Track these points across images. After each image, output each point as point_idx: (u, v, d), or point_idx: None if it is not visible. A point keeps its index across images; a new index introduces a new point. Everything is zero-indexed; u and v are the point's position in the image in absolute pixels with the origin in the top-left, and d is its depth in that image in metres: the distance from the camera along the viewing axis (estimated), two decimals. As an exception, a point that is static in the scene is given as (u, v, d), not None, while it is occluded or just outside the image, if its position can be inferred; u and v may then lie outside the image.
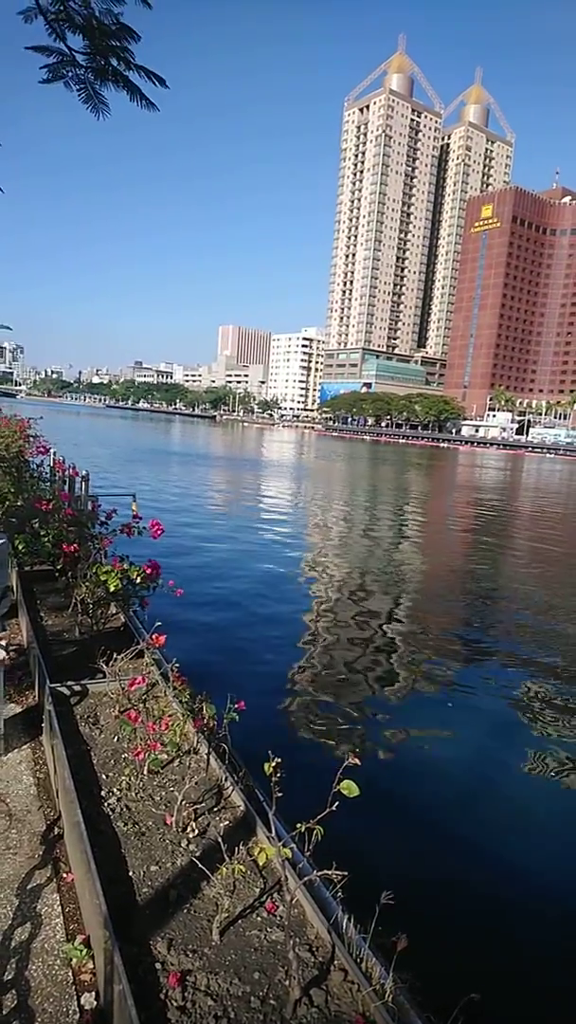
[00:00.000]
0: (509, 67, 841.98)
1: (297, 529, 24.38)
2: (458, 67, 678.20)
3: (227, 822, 3.99)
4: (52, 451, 15.86)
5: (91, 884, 3.03)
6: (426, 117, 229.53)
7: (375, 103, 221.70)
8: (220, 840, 3.46)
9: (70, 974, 3.04)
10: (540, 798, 7.10)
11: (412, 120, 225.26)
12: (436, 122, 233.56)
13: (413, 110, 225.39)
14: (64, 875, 3.69)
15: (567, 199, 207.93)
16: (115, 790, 4.23)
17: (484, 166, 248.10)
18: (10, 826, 4.10)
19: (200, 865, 3.35)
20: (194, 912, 3.28)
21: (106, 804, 4.08)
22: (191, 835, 3.83)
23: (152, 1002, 2.70)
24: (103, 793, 4.19)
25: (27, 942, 3.19)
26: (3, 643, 4.74)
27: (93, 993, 2.93)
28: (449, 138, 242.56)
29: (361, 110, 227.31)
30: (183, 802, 3.94)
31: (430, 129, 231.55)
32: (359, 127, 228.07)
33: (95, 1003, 2.88)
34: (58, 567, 8.22)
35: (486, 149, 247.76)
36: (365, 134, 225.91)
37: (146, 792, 4.24)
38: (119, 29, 5.97)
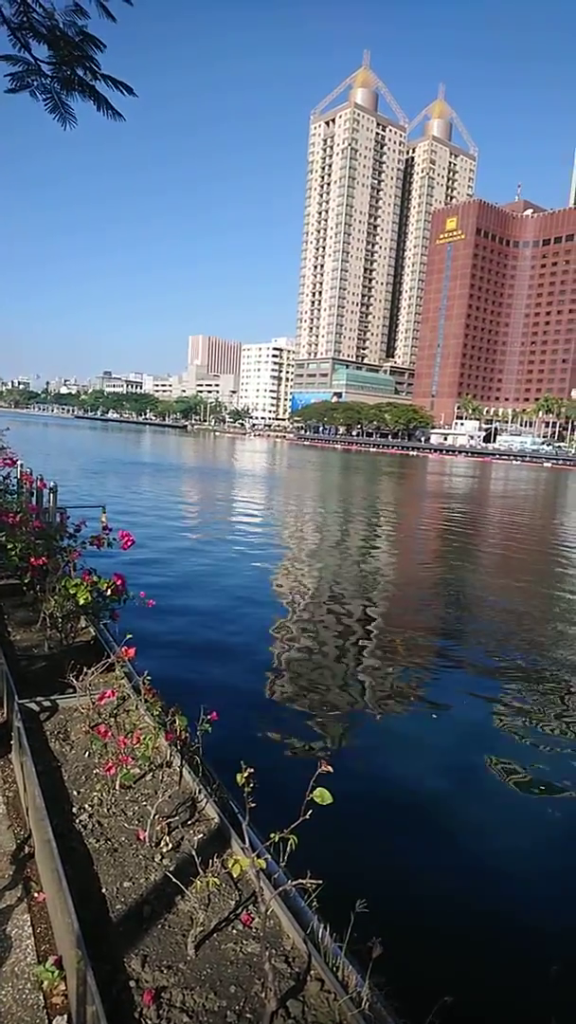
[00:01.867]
0: (471, 85, 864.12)
1: (270, 539, 24.37)
2: (422, 82, 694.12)
3: (201, 835, 3.96)
4: (19, 463, 15.62)
5: (63, 903, 2.97)
6: (391, 131, 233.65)
7: (341, 116, 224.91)
8: (194, 853, 3.43)
9: (41, 997, 2.96)
10: (513, 804, 7.18)
11: (377, 134, 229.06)
12: (401, 136, 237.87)
13: (378, 124, 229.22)
14: (35, 895, 3.61)
15: (529, 212, 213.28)
16: (87, 806, 4.16)
17: (448, 179, 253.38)
18: (-22, 847, 4.00)
19: (174, 879, 3.31)
20: (169, 927, 3.23)
21: (78, 821, 4.01)
22: (165, 849, 3.79)
23: (126, 1022, 2.66)
24: (74, 810, 4.12)
25: (-4, 966, 3.11)
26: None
27: (65, 1016, 2.87)
28: (414, 151, 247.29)
29: (327, 123, 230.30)
30: (156, 816, 3.89)
31: (395, 143, 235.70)
32: (325, 140, 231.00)
33: (67, 1026, 2.82)
34: (26, 581, 8.09)
35: (450, 163, 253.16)
36: (331, 147, 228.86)
37: (118, 807, 4.18)
38: (84, 39, 5.97)
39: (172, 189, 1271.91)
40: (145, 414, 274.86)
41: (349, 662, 11.14)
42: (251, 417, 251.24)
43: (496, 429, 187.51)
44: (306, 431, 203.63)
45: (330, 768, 2.98)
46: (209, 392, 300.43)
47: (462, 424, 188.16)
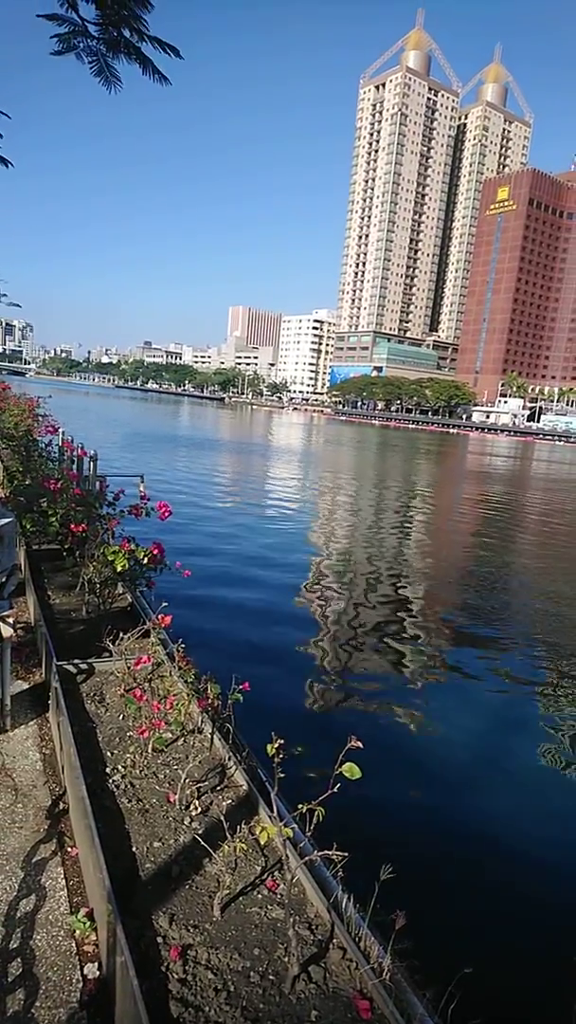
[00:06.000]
0: (529, 46, 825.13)
1: (305, 516, 24.37)
2: (477, 44, 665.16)
3: (230, 801, 4.03)
4: (61, 430, 15.88)
5: (95, 858, 3.07)
6: (443, 96, 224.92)
7: (391, 80, 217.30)
8: (222, 818, 3.49)
9: (73, 945, 3.09)
10: (546, 781, 7.13)
11: (429, 99, 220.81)
12: (453, 101, 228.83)
13: (430, 88, 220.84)
14: (68, 849, 3.75)
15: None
16: (120, 767, 4.27)
17: (501, 147, 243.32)
18: (16, 800, 4.16)
19: (202, 842, 3.39)
20: (196, 888, 3.32)
21: (111, 781, 4.12)
22: (194, 813, 3.88)
23: (153, 973, 2.75)
24: (108, 770, 4.24)
25: (32, 913, 3.25)
26: (11, 621, 4.77)
27: (96, 963, 2.99)
28: (466, 117, 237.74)
29: (377, 87, 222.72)
30: (187, 780, 3.98)
31: (447, 108, 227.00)
32: (375, 105, 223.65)
33: (98, 973, 2.94)
34: (65, 546, 8.25)
35: (503, 129, 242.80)
36: (380, 112, 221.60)
37: (150, 770, 4.28)
38: (131, -1, 5.84)
39: (212, 159, 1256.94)
40: (184, 385, 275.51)
41: (385, 637, 11.12)
42: (289, 390, 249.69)
43: (541, 408, 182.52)
44: (344, 406, 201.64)
45: (359, 744, 2.98)
46: (248, 364, 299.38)
47: (505, 402, 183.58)
